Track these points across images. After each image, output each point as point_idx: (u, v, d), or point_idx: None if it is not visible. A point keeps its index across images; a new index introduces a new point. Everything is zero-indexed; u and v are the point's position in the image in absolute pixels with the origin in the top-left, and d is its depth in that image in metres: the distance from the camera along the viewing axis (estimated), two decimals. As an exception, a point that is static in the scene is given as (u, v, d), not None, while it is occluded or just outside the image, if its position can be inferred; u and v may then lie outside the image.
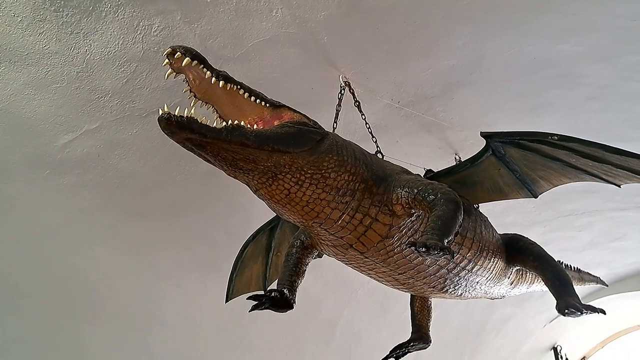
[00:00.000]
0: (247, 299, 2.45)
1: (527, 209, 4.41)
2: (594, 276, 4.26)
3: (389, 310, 4.79)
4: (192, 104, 1.77)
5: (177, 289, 3.38)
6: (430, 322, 3.27)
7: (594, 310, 2.59)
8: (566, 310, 2.58)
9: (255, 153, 1.80)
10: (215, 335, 3.66)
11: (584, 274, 4.11)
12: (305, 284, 4.13)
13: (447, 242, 1.92)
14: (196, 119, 1.63)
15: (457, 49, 2.53)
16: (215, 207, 3.23)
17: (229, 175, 1.91)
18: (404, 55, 2.60)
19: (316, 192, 1.99)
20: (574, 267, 3.96)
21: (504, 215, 4.42)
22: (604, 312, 2.59)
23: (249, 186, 1.98)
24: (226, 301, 3.14)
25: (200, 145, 1.70)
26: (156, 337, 3.36)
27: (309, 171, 1.94)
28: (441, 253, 1.84)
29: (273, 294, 2.29)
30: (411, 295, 3.23)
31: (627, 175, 2.14)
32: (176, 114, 1.60)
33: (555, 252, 3.70)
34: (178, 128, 1.60)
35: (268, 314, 3.70)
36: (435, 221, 2.02)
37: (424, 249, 1.83)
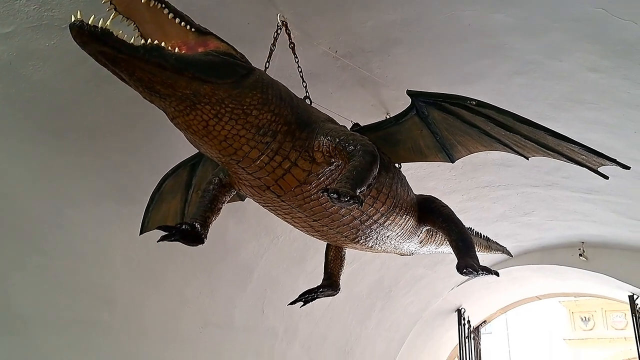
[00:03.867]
0: (156, 228, 2.42)
1: (448, 176, 4.58)
2: (501, 246, 4.54)
3: (308, 259, 4.90)
4: (111, 17, 1.66)
5: (89, 216, 3.27)
6: (342, 271, 3.38)
7: (489, 271, 2.76)
8: (464, 270, 2.73)
9: (174, 78, 1.73)
10: (127, 267, 3.61)
11: (492, 242, 4.36)
12: (226, 227, 4.16)
13: (358, 192, 1.96)
14: (111, 32, 1.54)
15: (398, 4, 2.53)
16: (137, 137, 3.11)
17: (145, 98, 1.84)
18: (344, 3, 2.56)
19: (235, 127, 1.96)
20: (484, 236, 4.19)
21: (426, 181, 4.58)
22: (497, 274, 2.78)
23: (165, 113, 1.93)
24: (140, 233, 3.09)
25: (114, 61, 1.62)
26: (63, 263, 3.26)
27: (229, 105, 1.90)
28: (351, 201, 1.88)
29: (184, 227, 2.27)
30: (327, 244, 3.31)
31: (534, 148, 2.26)
32: (90, 22, 1.50)
33: (470, 221, 3.92)
34: (90, 38, 1.51)
35: (184, 250, 3.70)
36: (350, 171, 2.06)
37: (335, 196, 1.87)
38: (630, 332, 7.26)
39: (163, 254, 3.77)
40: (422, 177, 4.46)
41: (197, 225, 2.32)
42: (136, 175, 3.25)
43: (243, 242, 4.29)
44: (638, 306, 7.26)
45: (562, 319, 16.92)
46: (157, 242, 2.28)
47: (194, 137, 2.00)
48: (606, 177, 2.18)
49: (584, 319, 15.84)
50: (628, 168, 2.01)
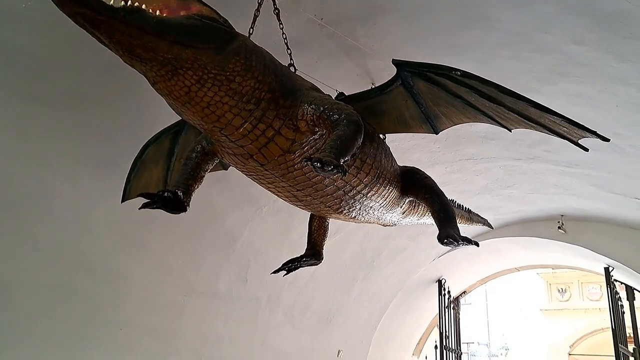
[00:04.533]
0: (137, 195, 2.40)
1: (432, 148, 4.60)
2: (482, 218, 4.60)
3: (291, 230, 4.93)
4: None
5: (69, 183, 3.23)
6: (325, 241, 3.40)
7: (469, 241, 2.81)
8: (445, 240, 2.77)
9: (155, 42, 1.69)
10: (109, 234, 3.60)
11: (473, 214, 4.41)
12: (209, 196, 4.15)
13: (342, 162, 1.96)
14: None
15: (385, -28, 2.49)
16: (119, 102, 3.06)
17: (125, 62, 1.80)
18: (331, -31, 2.52)
19: (218, 94, 1.94)
20: (465, 208, 4.24)
21: (411, 153, 4.60)
22: (477, 244, 2.83)
23: (146, 77, 1.89)
24: (122, 201, 3.07)
25: (93, 22, 1.57)
26: (43, 229, 3.24)
27: (212, 71, 1.87)
28: (335, 171, 1.88)
29: (166, 194, 2.25)
30: (310, 214, 3.32)
31: (517, 120, 2.27)
32: (67, -19, 1.45)
33: (453, 193, 3.95)
34: None
35: (166, 218, 3.68)
36: (334, 140, 2.05)
37: (318, 165, 1.86)
38: (604, 303, 7.48)
39: (145, 222, 3.75)
40: (406, 149, 4.47)
41: (180, 193, 2.30)
42: (117, 141, 3.21)
43: (226, 212, 4.29)
44: (613, 278, 7.47)
45: (539, 290, 17.36)
46: (139, 209, 2.26)
47: (175, 103, 1.97)
48: (586, 150, 2.21)
49: (560, 290, 16.27)
50: (607, 140, 2.03)
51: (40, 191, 3.14)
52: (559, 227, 6.84)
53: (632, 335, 8.19)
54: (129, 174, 2.96)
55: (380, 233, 6.14)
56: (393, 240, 6.49)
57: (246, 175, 2.50)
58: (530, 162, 4.70)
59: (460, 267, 8.71)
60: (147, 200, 2.25)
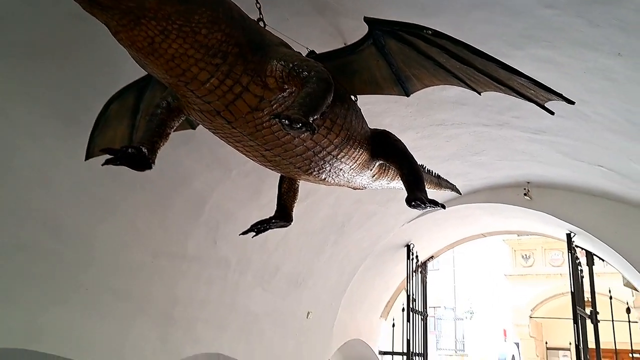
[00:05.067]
0: (100, 151, 2.34)
1: (404, 113, 4.60)
2: (451, 184, 4.65)
3: (262, 193, 4.90)
4: None
5: (31, 139, 3.12)
6: (295, 204, 3.40)
7: (436, 204, 2.84)
8: (413, 202, 2.80)
9: (116, -12, 1.62)
10: (74, 193, 3.51)
11: (442, 180, 4.46)
12: (177, 157, 4.07)
13: (311, 120, 1.94)
14: None
15: None
16: (81, 57, 2.93)
17: (85, 9, 1.72)
18: None
19: (183, 46, 1.88)
20: (435, 173, 4.28)
21: (382, 117, 4.58)
22: (443, 207, 2.87)
23: (108, 27, 1.81)
24: (86, 159, 2.99)
25: None
26: (5, 189, 3.13)
27: (177, 21, 1.81)
28: (303, 129, 1.86)
29: (130, 150, 2.19)
30: (280, 176, 3.30)
31: (487, 82, 2.27)
32: None
33: (423, 159, 3.97)
34: None
35: (133, 179, 3.62)
36: (303, 97, 2.03)
37: (287, 122, 1.84)
38: (565, 269, 7.78)
39: (111, 182, 3.68)
40: (378, 113, 4.46)
41: (144, 150, 2.25)
42: (81, 97, 3.09)
43: (195, 174, 4.23)
44: (574, 244, 7.74)
45: (504, 257, 17.91)
46: (102, 165, 2.21)
47: (139, 55, 1.90)
48: (552, 113, 2.23)
49: (524, 256, 16.81)
50: (573, 103, 2.06)
51: (2, 150, 3.03)
52: (524, 194, 7.01)
53: (589, 299, 8.56)
54: (92, 131, 2.88)
55: (351, 198, 6.18)
56: (363, 205, 6.54)
57: (214, 133, 2.46)
58: (499, 129, 4.75)
59: (428, 233, 8.88)
60: (110, 156, 2.19)
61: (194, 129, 3.10)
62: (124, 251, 4.09)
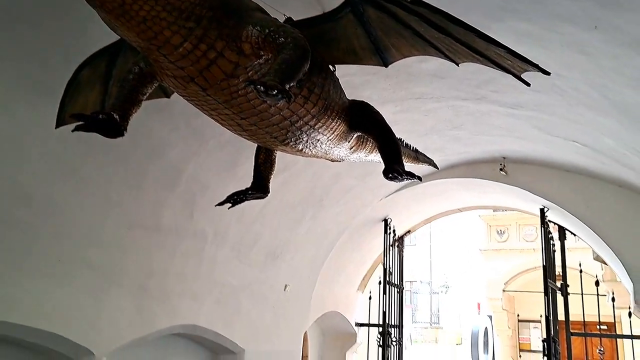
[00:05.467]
0: (70, 116, 2.28)
1: (383, 85, 4.58)
2: (428, 158, 4.67)
3: (239, 165, 4.86)
4: None
5: (1, 109, 3.02)
6: (272, 175, 3.37)
7: (413, 176, 2.86)
8: (390, 174, 2.80)
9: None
10: (45, 163, 3.43)
11: (420, 154, 4.47)
12: (151, 127, 4.00)
13: (287, 87, 1.91)
14: None
15: None
16: (50, 23, 2.83)
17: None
18: None
19: (155, 9, 1.81)
20: (413, 147, 4.28)
21: (361, 89, 4.55)
22: (420, 179, 2.88)
23: (75, -15, 1.73)
24: (56, 126, 2.91)
25: None
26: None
27: (148, -18, 1.74)
28: (279, 95, 1.83)
29: (101, 116, 2.13)
30: (257, 146, 3.27)
31: (465, 53, 2.26)
32: None
33: (401, 133, 3.96)
34: None
35: (106, 148, 3.55)
36: (279, 64, 1.99)
37: (262, 89, 1.81)
38: (538, 244, 7.95)
39: (84, 152, 3.60)
40: (357, 85, 4.42)
41: (116, 116, 2.19)
42: (50, 64, 3.00)
43: (170, 144, 4.16)
44: (547, 218, 7.90)
45: (480, 232, 18.24)
46: (73, 131, 2.15)
47: (109, 17, 1.84)
48: (528, 84, 2.24)
49: (499, 231, 17.15)
50: (548, 74, 2.07)
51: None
52: (500, 169, 7.09)
53: (561, 273, 8.79)
54: (62, 98, 2.79)
55: (330, 172, 6.18)
56: (342, 179, 6.55)
57: (188, 101, 2.41)
58: (477, 103, 4.77)
59: (405, 208, 8.95)
60: (81, 123, 2.13)
61: (169, 97, 3.03)
62: (98, 223, 4.03)
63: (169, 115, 3.90)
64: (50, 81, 2.99)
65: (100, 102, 2.81)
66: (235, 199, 3.33)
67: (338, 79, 2.76)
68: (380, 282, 8.91)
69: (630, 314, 7.41)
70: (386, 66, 2.67)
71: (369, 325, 10.12)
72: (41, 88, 3.07)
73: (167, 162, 4.26)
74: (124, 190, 4.10)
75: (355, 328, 10.29)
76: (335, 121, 2.70)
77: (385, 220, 8.96)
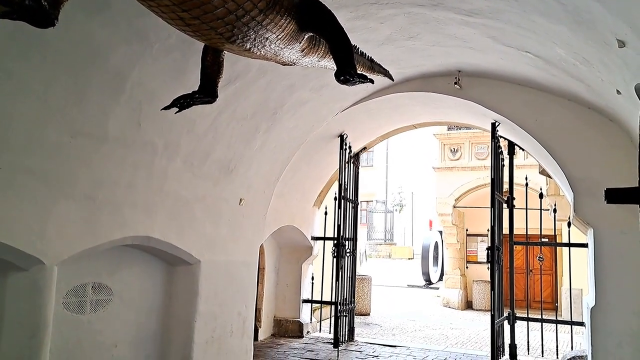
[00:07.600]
0: (-8, 2, 2.06)
1: (338, -12, 4.38)
2: (384, 68, 4.59)
3: (187, 73, 4.65)
4: None
5: None
6: (220, 79, 3.24)
7: (365, 78, 2.81)
8: (342, 77, 2.75)
9: None
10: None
11: (375, 64, 4.39)
12: (91, 29, 3.73)
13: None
14: None
15: None
16: None
17: None
18: None
19: None
20: (368, 57, 4.19)
21: (315, -8, 4.34)
22: (372, 82, 2.85)
23: None
24: (-22, 19, 2.65)
25: None
26: None
27: None
28: None
29: (28, 2, 1.93)
30: (204, 47, 3.11)
31: None
32: None
33: (357, 42, 3.84)
34: None
35: (43, 50, 3.31)
36: None
37: None
38: (489, 162, 8.21)
39: (17, 53, 3.34)
40: (310, -13, 4.20)
41: (45, 3, 2.00)
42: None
43: (112, 47, 3.90)
44: (498, 133, 8.10)
45: (434, 151, 18.64)
46: (-3, 17, 1.94)
47: None
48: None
49: (452, 150, 17.54)
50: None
51: None
52: (455, 83, 7.12)
53: (508, 189, 9.19)
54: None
55: (284, 83, 6.03)
56: (296, 91, 6.42)
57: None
58: (433, 10, 4.65)
59: (361, 123, 8.95)
60: (5, 9, 1.93)
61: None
62: (37, 130, 3.83)
63: (109, 15, 3.62)
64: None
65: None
66: (182, 102, 3.21)
67: (287, -28, 2.60)
68: (335, 198, 9.09)
69: (569, 224, 7.89)
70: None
71: (324, 238, 10.44)
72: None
73: (109, 66, 4.02)
74: (64, 95, 3.87)
75: (312, 242, 10.59)
76: (284, 18, 2.57)
77: (341, 136, 8.98)
